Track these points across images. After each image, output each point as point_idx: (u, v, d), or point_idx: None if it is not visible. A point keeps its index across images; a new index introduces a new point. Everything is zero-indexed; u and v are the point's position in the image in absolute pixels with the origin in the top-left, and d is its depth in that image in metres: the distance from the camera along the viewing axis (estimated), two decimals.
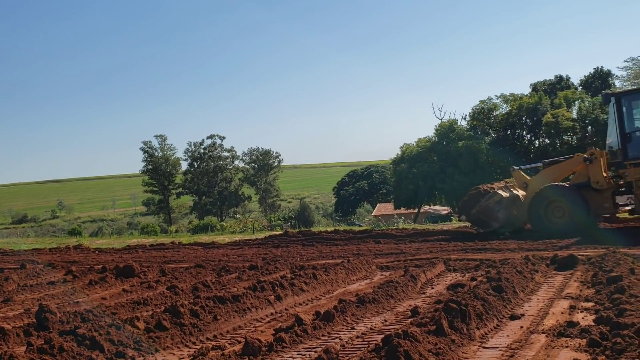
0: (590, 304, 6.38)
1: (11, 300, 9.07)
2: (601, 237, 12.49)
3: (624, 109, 13.60)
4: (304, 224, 50.50)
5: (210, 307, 6.66)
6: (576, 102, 44.17)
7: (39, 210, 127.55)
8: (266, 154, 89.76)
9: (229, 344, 5.73)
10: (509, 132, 45.93)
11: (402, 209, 47.98)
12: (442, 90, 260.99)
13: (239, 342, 5.70)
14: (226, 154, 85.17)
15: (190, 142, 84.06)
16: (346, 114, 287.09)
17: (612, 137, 14.13)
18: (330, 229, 20.89)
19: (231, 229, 35.08)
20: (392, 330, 5.40)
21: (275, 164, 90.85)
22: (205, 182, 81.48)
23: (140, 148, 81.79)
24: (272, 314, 7.15)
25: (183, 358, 5.41)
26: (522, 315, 6.12)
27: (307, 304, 7.68)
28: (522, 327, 5.67)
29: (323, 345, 5.32)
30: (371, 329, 6.06)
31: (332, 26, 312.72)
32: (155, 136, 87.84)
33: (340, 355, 4.84)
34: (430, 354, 4.44)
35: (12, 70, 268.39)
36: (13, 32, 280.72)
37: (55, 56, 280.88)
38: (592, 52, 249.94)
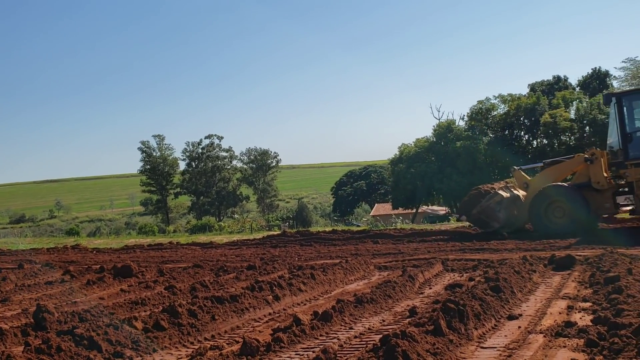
0: (587, 304, 6.39)
1: (9, 300, 9.05)
2: (600, 237, 12.51)
3: (625, 109, 13.61)
4: (302, 224, 50.52)
5: (208, 307, 6.66)
6: (574, 103, 44.23)
7: (36, 210, 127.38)
8: (264, 154, 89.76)
9: (227, 344, 5.74)
10: (507, 132, 45.98)
11: (400, 209, 48.01)
12: (440, 90, 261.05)
13: (237, 342, 5.70)
14: (224, 153, 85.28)
15: (188, 142, 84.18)
16: (344, 114, 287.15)
17: (613, 137, 14.15)
18: (328, 229, 20.89)
19: (229, 229, 35.11)
20: (390, 330, 5.40)
21: (274, 164, 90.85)
22: (203, 182, 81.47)
23: (138, 148, 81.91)
24: (270, 314, 7.15)
25: (181, 358, 5.41)
26: (520, 315, 6.13)
27: (305, 304, 7.68)
28: (519, 327, 5.68)
29: (321, 345, 5.32)
30: (369, 329, 6.06)
31: (331, 26, 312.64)
32: (153, 136, 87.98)
33: (338, 355, 4.85)
34: (428, 353, 4.45)
35: (10, 70, 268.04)
36: (11, 32, 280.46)
37: (53, 56, 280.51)
38: (590, 53, 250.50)
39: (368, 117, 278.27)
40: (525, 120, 45.16)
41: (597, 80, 51.04)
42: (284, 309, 7.37)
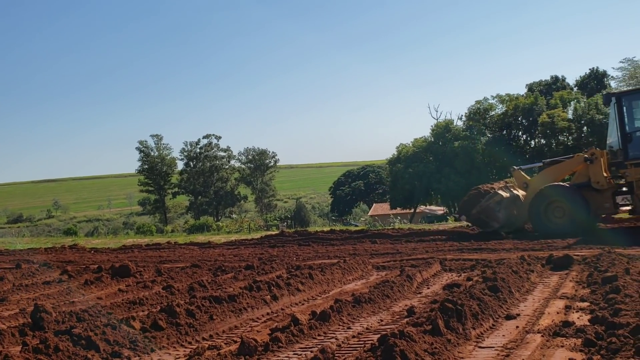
0: (585, 304, 6.40)
1: (6, 300, 9.04)
2: (597, 237, 12.53)
3: (625, 109, 13.63)
4: (300, 224, 50.50)
5: (206, 306, 6.65)
6: (572, 103, 44.32)
7: (34, 209, 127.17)
8: (262, 153, 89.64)
9: (225, 343, 5.73)
10: (504, 132, 46.04)
11: (398, 209, 48.04)
12: (439, 90, 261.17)
13: (235, 341, 5.70)
14: (222, 153, 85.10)
15: (186, 142, 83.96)
16: (343, 114, 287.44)
17: (613, 137, 14.17)
18: (326, 228, 20.91)
19: (227, 228, 35.10)
20: (388, 330, 5.40)
21: (272, 163, 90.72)
22: (201, 181, 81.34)
23: (136, 148, 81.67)
24: (268, 313, 7.15)
25: (179, 358, 5.40)
26: (518, 315, 6.13)
27: (303, 304, 7.68)
28: (517, 326, 5.69)
29: (319, 345, 5.31)
30: (367, 328, 6.07)
31: (329, 25, 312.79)
32: (151, 136, 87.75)
33: (336, 355, 4.85)
34: (426, 353, 4.45)
35: (8, 70, 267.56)
36: (9, 31, 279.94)
37: (51, 55, 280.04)
38: (588, 53, 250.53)
39: (366, 117, 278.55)
40: (523, 120, 45.23)
41: (594, 81, 51.14)
42: (282, 309, 7.37)
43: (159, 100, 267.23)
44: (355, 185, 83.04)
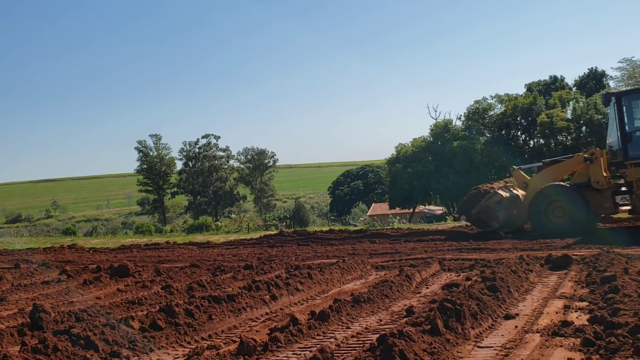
0: (584, 304, 6.40)
1: (5, 300, 9.03)
2: (596, 236, 12.54)
3: (624, 108, 13.64)
4: (299, 224, 50.49)
5: (205, 306, 6.65)
6: (571, 103, 44.37)
7: (33, 209, 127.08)
8: (261, 153, 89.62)
9: (224, 343, 5.73)
10: (503, 132, 46.07)
11: (397, 208, 48.05)
12: (438, 89, 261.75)
13: (234, 341, 5.70)
14: (221, 153, 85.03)
15: (185, 142, 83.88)
16: (342, 114, 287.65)
17: (613, 137, 14.18)
18: (325, 228, 20.91)
19: (226, 228, 35.06)
20: (387, 329, 5.40)
21: (271, 163, 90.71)
22: (200, 181, 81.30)
23: (135, 147, 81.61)
24: (267, 313, 7.14)
25: (178, 357, 5.40)
26: (517, 314, 6.13)
27: (302, 304, 7.68)
28: (516, 326, 5.69)
29: (318, 344, 5.31)
30: (366, 328, 6.07)
31: (329, 25, 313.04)
32: (150, 135, 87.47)
33: (335, 354, 4.84)
34: (425, 353, 4.45)
35: (7, 70, 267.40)
36: (8, 31, 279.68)
37: (50, 55, 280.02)
38: (587, 53, 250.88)
39: (365, 117, 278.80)
40: (522, 120, 45.25)
41: (593, 81, 51.19)
42: (281, 309, 7.36)
43: (159, 100, 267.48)
44: (354, 185, 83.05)
